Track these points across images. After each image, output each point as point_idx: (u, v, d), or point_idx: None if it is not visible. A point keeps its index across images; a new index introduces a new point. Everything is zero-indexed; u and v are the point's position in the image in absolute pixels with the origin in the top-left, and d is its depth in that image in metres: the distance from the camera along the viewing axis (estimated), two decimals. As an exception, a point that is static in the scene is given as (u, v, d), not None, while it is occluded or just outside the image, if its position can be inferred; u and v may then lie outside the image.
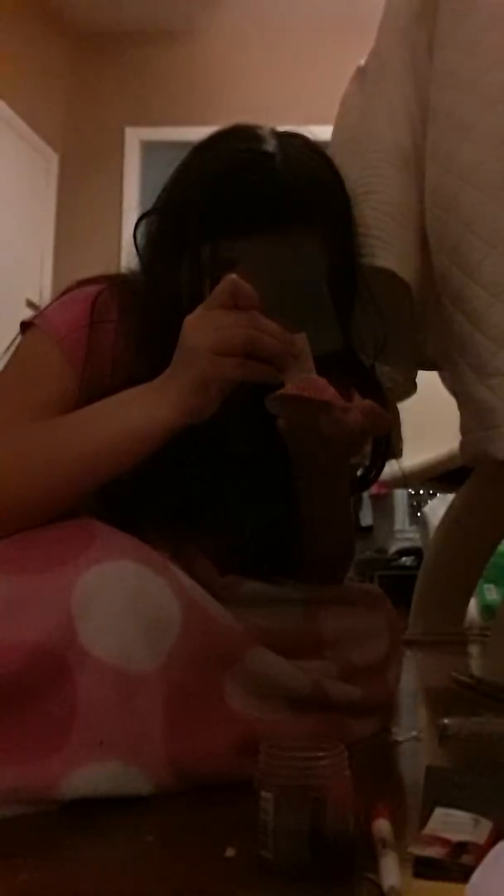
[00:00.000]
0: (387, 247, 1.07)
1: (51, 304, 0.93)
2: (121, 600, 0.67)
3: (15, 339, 0.91)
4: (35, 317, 0.91)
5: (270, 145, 0.85)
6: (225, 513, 0.90)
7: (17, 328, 0.92)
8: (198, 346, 0.75)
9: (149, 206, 0.93)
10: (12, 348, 0.91)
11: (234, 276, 0.75)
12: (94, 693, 0.63)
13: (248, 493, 0.90)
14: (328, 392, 0.75)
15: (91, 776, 0.62)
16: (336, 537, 0.97)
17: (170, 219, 0.88)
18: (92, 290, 0.91)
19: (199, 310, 0.77)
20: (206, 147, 0.90)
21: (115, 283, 0.92)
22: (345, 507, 0.96)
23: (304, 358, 0.77)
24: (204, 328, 0.75)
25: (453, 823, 0.53)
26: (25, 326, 0.91)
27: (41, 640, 0.63)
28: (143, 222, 0.92)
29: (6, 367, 0.89)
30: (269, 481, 0.90)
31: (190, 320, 0.76)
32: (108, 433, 0.77)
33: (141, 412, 0.77)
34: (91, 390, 0.85)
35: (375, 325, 0.92)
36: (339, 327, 0.81)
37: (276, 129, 0.89)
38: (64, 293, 0.95)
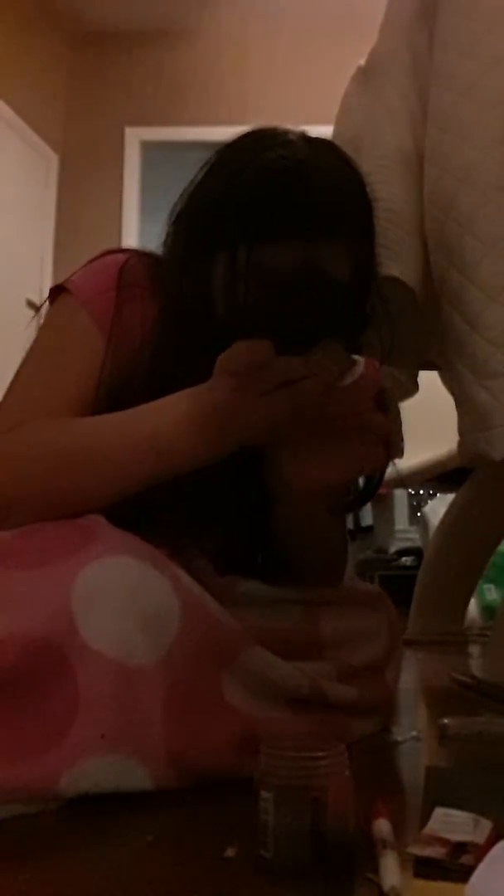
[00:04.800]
0: (391, 255, 1.07)
1: (77, 271, 0.94)
2: (121, 595, 0.67)
3: (43, 304, 0.93)
4: (63, 282, 0.92)
5: (304, 152, 0.86)
6: (224, 514, 0.90)
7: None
8: (251, 425, 0.75)
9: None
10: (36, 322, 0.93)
11: (244, 343, 0.74)
12: (94, 687, 0.64)
13: (248, 494, 0.90)
14: (372, 384, 0.76)
15: (91, 771, 0.62)
16: (321, 556, 0.96)
17: (204, 220, 0.89)
18: (119, 257, 0.92)
19: (231, 391, 0.75)
20: (238, 149, 0.90)
21: (142, 254, 0.94)
22: (327, 530, 0.95)
23: (337, 359, 0.76)
24: (249, 410, 0.74)
25: (453, 823, 0.53)
26: (54, 293, 0.92)
27: (41, 634, 0.63)
28: (175, 214, 0.92)
29: (38, 336, 0.91)
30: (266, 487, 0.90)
31: (224, 390, 0.75)
32: (145, 462, 0.78)
33: (186, 448, 0.77)
34: (120, 355, 0.86)
35: (383, 329, 0.93)
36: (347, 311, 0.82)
37: (306, 134, 0.90)
38: (91, 262, 0.95)
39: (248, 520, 0.92)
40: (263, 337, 0.74)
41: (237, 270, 0.83)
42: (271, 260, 0.82)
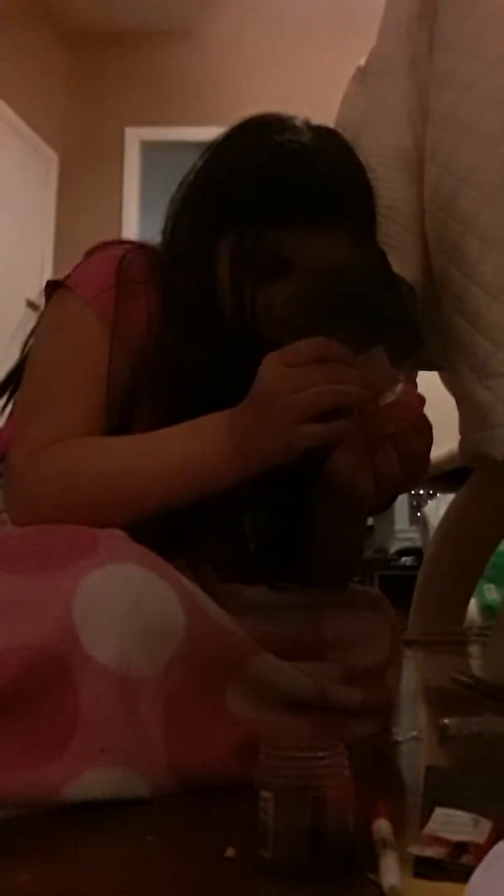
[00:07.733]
0: (391, 250, 1.07)
1: (77, 266, 0.93)
2: (124, 604, 0.66)
3: (38, 297, 0.92)
4: (63, 279, 0.90)
5: (308, 137, 0.87)
6: (227, 521, 0.90)
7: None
8: (283, 415, 0.73)
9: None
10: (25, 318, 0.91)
11: (323, 339, 0.73)
12: (96, 699, 0.63)
13: (251, 501, 0.89)
14: (416, 406, 0.77)
15: (91, 783, 0.62)
16: (349, 548, 0.97)
17: (208, 204, 0.88)
18: (117, 251, 0.91)
19: (276, 366, 0.74)
20: (242, 134, 0.90)
21: (139, 246, 0.93)
22: (362, 522, 0.97)
23: (383, 373, 0.76)
24: (285, 393, 0.73)
25: (453, 823, 0.53)
26: (52, 286, 0.90)
27: (43, 644, 0.62)
28: (175, 202, 0.92)
29: (43, 333, 0.90)
30: (272, 489, 0.90)
31: (269, 381, 0.74)
32: (176, 478, 0.78)
33: (216, 468, 0.77)
34: (127, 351, 0.85)
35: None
36: (415, 324, 0.81)
37: (309, 121, 0.91)
38: (89, 254, 0.94)
39: (253, 526, 0.92)
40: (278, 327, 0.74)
41: (245, 254, 0.83)
42: (285, 247, 0.82)
